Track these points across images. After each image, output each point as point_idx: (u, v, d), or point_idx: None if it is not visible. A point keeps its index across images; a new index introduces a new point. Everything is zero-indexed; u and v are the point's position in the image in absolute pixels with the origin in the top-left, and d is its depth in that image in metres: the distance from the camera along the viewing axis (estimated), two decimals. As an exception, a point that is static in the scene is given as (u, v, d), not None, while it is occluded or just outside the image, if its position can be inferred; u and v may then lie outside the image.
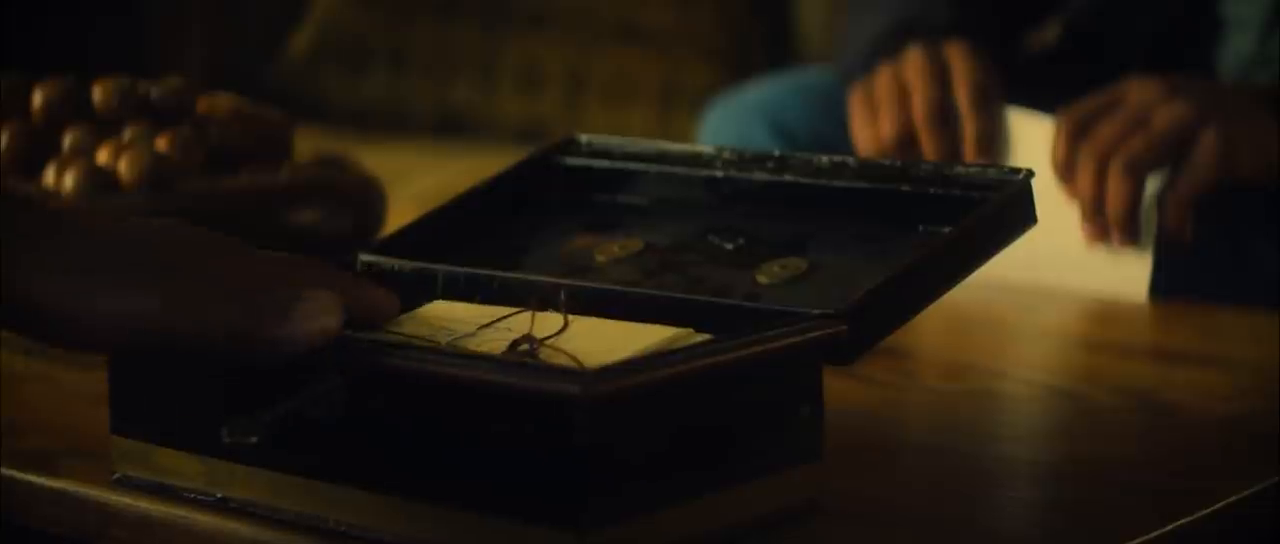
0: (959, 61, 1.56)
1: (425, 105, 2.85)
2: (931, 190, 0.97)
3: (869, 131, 1.58)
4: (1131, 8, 1.74)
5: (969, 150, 1.53)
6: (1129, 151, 1.44)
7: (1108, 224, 1.45)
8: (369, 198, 1.37)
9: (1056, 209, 1.46)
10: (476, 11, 2.86)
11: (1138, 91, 1.47)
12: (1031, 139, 1.52)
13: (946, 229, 0.93)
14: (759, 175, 1.01)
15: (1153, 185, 1.45)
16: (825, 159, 0.99)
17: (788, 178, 1.00)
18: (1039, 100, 1.55)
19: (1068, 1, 1.79)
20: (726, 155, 1.02)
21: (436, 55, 2.85)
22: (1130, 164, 1.43)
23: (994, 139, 1.53)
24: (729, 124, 1.89)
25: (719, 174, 1.02)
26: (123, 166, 1.26)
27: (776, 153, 1.01)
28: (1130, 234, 1.44)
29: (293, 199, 1.32)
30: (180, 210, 1.23)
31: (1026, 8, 1.83)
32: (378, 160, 2.54)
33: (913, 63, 1.58)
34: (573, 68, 2.79)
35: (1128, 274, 1.46)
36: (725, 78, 2.62)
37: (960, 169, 0.97)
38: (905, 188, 0.97)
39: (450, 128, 2.82)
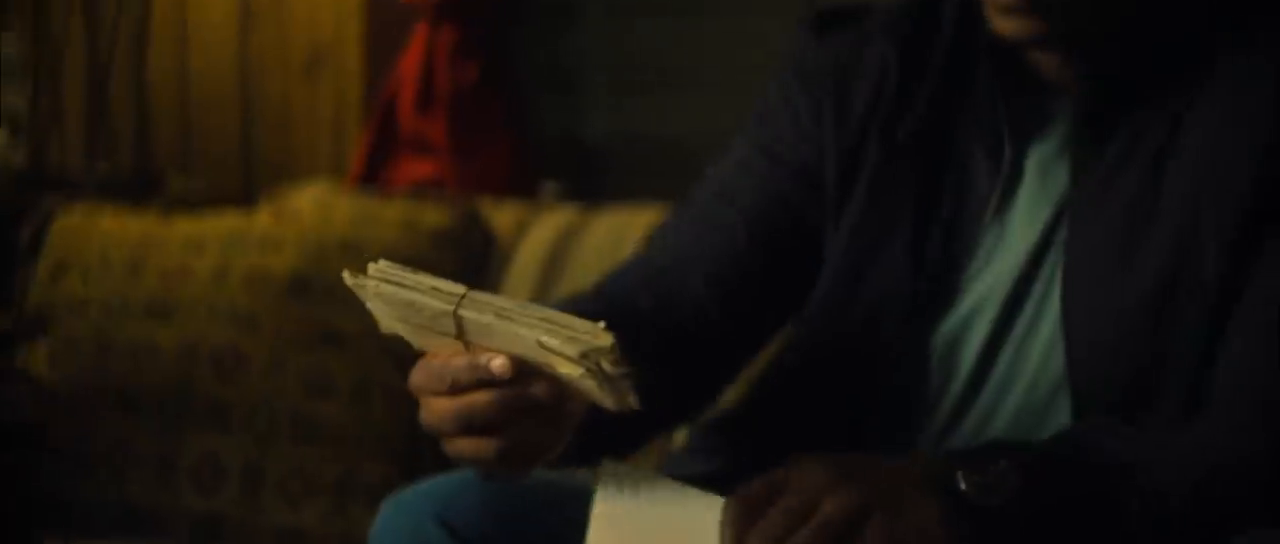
0: None
1: (105, 499, 2.83)
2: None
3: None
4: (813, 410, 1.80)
5: None
6: (796, 543, 1.48)
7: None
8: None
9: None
10: (155, 406, 2.86)
11: (805, 477, 1.50)
12: (704, 519, 1.54)
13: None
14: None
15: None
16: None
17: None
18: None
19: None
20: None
21: (115, 448, 2.83)
22: (797, 554, 1.47)
23: None
24: (401, 520, 1.90)
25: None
26: None
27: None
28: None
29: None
30: None
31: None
32: (52, 560, 2.53)
33: None
34: (250, 462, 2.80)
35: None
36: (400, 474, 2.65)
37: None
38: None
39: (128, 523, 2.80)
